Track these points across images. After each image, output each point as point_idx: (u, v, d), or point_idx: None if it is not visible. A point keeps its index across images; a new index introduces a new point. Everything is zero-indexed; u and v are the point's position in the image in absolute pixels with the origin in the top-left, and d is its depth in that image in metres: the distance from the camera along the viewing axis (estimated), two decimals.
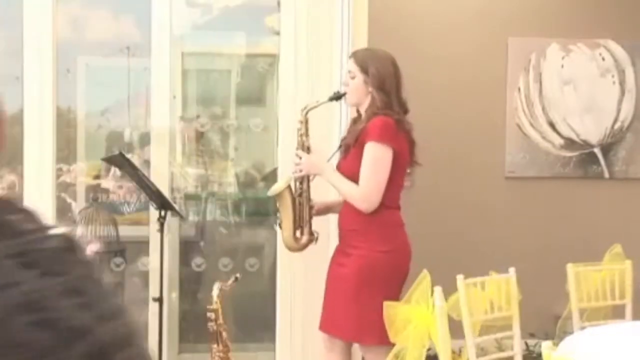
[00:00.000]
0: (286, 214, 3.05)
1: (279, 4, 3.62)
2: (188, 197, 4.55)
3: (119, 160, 3.45)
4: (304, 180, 3.06)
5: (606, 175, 4.90)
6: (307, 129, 3.07)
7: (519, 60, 4.83)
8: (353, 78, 2.98)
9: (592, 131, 4.88)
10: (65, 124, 4.39)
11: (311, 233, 3.08)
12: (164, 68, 3.82)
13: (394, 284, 2.95)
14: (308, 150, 3.06)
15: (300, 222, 3.06)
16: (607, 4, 4.87)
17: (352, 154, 2.94)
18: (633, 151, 4.91)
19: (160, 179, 3.69)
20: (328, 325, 3.03)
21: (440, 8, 4.82)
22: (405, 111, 3.01)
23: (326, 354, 3.11)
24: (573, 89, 4.86)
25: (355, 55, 3.03)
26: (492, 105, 4.82)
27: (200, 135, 4.59)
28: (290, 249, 3.12)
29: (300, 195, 3.06)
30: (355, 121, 3.10)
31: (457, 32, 4.79)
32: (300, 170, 3.02)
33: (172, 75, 3.95)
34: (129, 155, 3.72)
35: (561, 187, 4.88)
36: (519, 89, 4.83)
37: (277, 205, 3.09)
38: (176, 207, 3.75)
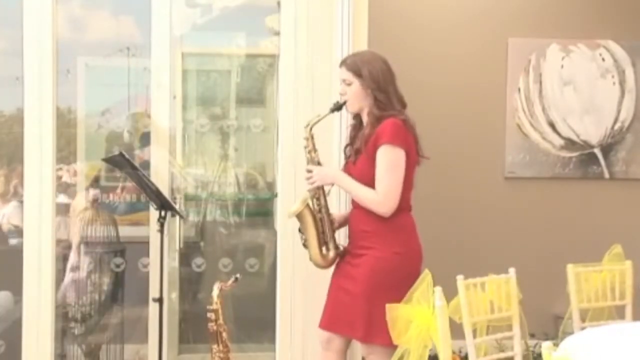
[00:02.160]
0: (310, 233, 3.03)
1: (279, 4, 3.62)
2: (188, 197, 4.55)
3: (119, 161, 3.45)
4: (321, 196, 3.05)
5: (606, 175, 4.90)
6: (314, 144, 3.06)
7: (519, 60, 4.83)
8: (349, 85, 2.98)
9: (592, 131, 4.88)
10: (65, 124, 4.39)
11: (337, 247, 3.06)
12: (164, 68, 3.82)
13: (405, 286, 2.91)
14: (318, 164, 3.05)
15: (325, 238, 3.05)
16: (607, 4, 4.87)
17: (362, 158, 2.93)
18: (633, 151, 4.91)
19: (160, 180, 3.69)
20: (333, 324, 3.02)
21: (441, 9, 4.82)
22: (404, 106, 3.02)
23: (323, 353, 3.10)
24: (573, 90, 4.86)
25: (345, 63, 3.02)
26: (492, 106, 4.82)
27: (200, 136, 4.59)
28: (319, 266, 3.09)
29: (319, 211, 3.05)
30: (355, 127, 3.09)
31: (457, 33, 4.79)
32: (314, 182, 3.01)
33: (172, 75, 3.95)
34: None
35: (561, 188, 4.88)
36: (519, 90, 4.83)
37: (299, 225, 3.06)
38: (176, 207, 3.75)
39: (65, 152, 4.42)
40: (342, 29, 3.47)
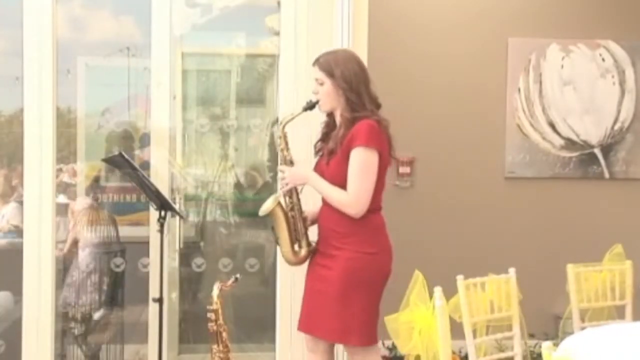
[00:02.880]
0: (281, 230, 3.03)
1: (279, 4, 3.62)
2: (188, 197, 4.55)
3: (118, 161, 3.45)
4: (293, 193, 3.05)
5: (606, 175, 4.90)
6: (286, 143, 3.05)
7: (519, 60, 4.83)
8: (322, 84, 2.97)
9: (592, 132, 4.88)
10: (65, 124, 4.39)
11: (309, 244, 3.07)
12: (164, 68, 3.81)
13: (378, 286, 2.97)
14: (291, 163, 3.04)
15: (297, 235, 3.05)
16: (607, 4, 4.87)
17: (336, 159, 2.92)
18: (633, 151, 4.91)
19: (160, 180, 3.69)
20: (310, 326, 3.03)
21: (441, 8, 4.82)
22: (378, 106, 3.01)
23: (309, 354, 3.12)
24: (573, 90, 4.86)
25: (318, 62, 3.00)
26: (493, 106, 4.82)
27: (200, 136, 4.60)
28: (291, 263, 3.10)
29: (292, 209, 3.05)
30: (328, 124, 3.09)
31: (458, 33, 4.79)
32: (287, 184, 3.01)
33: (172, 75, 3.95)
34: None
35: (561, 188, 4.88)
36: (519, 90, 4.83)
37: (272, 222, 3.07)
38: (176, 207, 3.75)
39: (65, 152, 4.42)
40: (342, 29, 3.47)
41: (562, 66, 4.85)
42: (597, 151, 4.89)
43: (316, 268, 3.02)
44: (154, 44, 3.81)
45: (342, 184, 2.90)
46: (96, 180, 4.53)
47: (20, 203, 3.76)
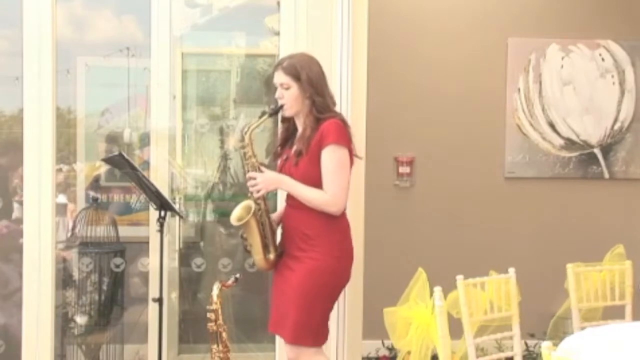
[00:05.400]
0: (254, 238, 3.01)
1: (279, 4, 3.62)
2: (188, 197, 4.55)
3: (118, 161, 3.45)
4: (261, 200, 3.03)
5: (606, 175, 4.90)
6: (253, 150, 3.01)
7: (518, 60, 4.83)
8: (287, 89, 2.97)
9: (592, 131, 4.89)
10: (65, 124, 4.39)
11: (276, 249, 3.06)
12: (164, 68, 3.81)
13: (338, 290, 2.99)
14: (259, 169, 3.01)
15: (266, 241, 3.04)
16: (607, 4, 4.87)
17: (305, 160, 2.92)
18: (633, 151, 4.91)
19: (160, 180, 3.69)
20: (273, 324, 3.05)
21: (441, 9, 4.82)
22: (334, 104, 3.05)
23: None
24: (573, 90, 4.87)
25: (282, 67, 3.00)
26: (492, 106, 4.82)
27: (200, 136, 4.60)
28: (263, 269, 3.12)
29: (261, 216, 3.03)
30: (287, 129, 3.09)
31: (457, 33, 4.79)
32: (259, 190, 2.98)
33: (172, 75, 3.95)
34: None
35: (561, 188, 4.88)
36: (519, 90, 4.84)
37: (243, 231, 3.04)
38: (176, 207, 3.75)
39: (65, 152, 4.42)
40: (342, 29, 3.47)
41: (562, 66, 4.85)
42: (596, 151, 4.89)
43: (282, 269, 3.04)
44: (154, 44, 3.81)
45: (313, 184, 2.91)
46: (96, 180, 4.54)
47: (20, 203, 3.75)
